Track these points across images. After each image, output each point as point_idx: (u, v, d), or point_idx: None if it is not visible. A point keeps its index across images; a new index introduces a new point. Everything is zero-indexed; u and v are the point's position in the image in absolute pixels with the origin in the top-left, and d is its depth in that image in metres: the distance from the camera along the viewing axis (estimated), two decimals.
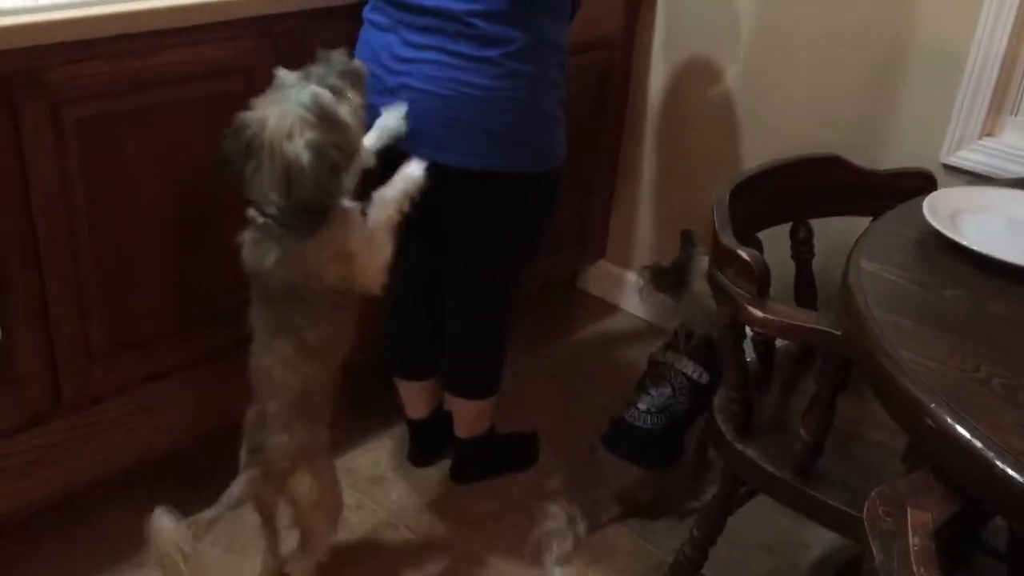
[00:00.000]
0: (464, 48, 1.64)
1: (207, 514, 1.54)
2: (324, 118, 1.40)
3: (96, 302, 1.70)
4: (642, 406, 2.03)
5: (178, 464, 2.04)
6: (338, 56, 1.49)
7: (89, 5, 1.54)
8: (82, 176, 1.61)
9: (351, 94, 1.46)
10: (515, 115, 1.69)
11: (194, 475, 2.05)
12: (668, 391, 2.03)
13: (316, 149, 1.38)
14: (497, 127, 1.69)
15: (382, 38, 1.72)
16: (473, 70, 1.65)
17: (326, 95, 1.42)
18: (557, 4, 1.70)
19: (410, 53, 1.69)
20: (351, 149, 1.47)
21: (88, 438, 1.78)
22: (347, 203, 1.54)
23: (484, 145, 1.69)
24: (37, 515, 1.80)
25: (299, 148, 1.38)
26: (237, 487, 1.58)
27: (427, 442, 2.15)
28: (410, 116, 1.69)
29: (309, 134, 1.38)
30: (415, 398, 2.10)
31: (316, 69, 1.46)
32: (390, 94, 1.71)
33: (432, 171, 1.68)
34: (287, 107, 1.39)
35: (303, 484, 1.62)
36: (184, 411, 1.91)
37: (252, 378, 1.61)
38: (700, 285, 2.04)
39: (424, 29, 1.67)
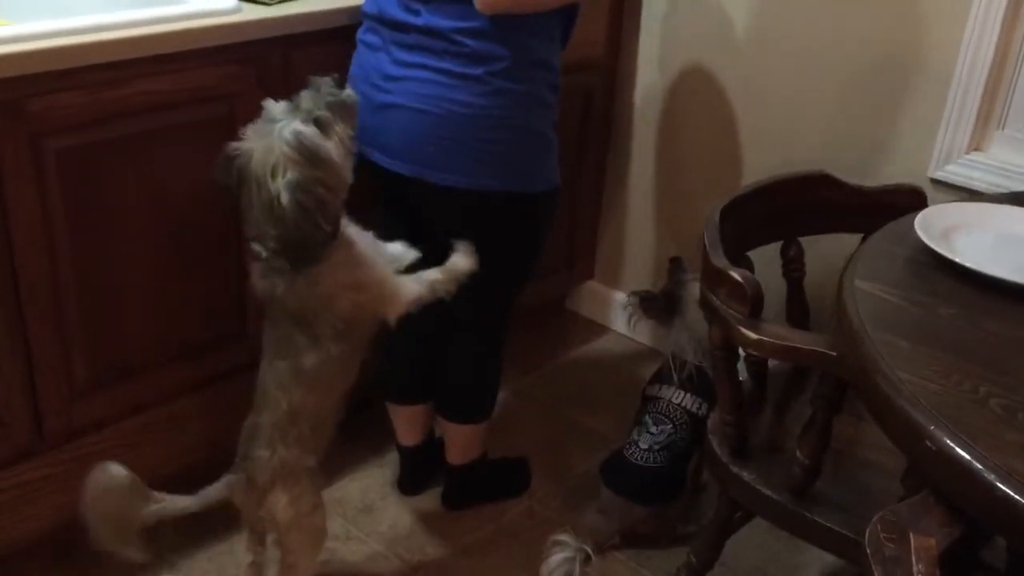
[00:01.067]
0: (450, 65, 1.63)
1: (180, 501, 1.53)
2: (308, 155, 1.38)
3: (78, 336, 1.67)
4: (643, 444, 1.99)
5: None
6: (328, 85, 1.46)
7: (68, 35, 1.52)
8: (63, 207, 1.59)
9: (339, 126, 1.44)
10: (501, 133, 1.67)
11: None
12: (669, 427, 2.00)
13: (297, 189, 1.36)
14: (484, 145, 1.67)
15: (373, 58, 1.72)
16: (458, 87, 1.63)
17: (311, 131, 1.39)
18: (542, 24, 1.68)
19: (398, 71, 1.68)
20: (337, 185, 1.44)
21: (72, 473, 1.74)
22: (350, 229, 1.52)
23: (471, 163, 1.68)
24: (22, 552, 1.76)
25: (280, 187, 1.36)
26: (216, 487, 1.59)
27: (418, 469, 2.12)
28: (398, 133, 1.68)
29: (291, 173, 1.37)
30: (407, 424, 2.08)
31: (305, 98, 1.43)
32: (378, 112, 1.70)
33: (421, 189, 1.67)
34: (271, 142, 1.38)
35: (279, 503, 1.61)
36: (168, 444, 1.88)
37: (257, 387, 1.62)
38: (692, 312, 2.02)
39: (412, 47, 1.66)
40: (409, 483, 2.13)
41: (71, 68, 1.52)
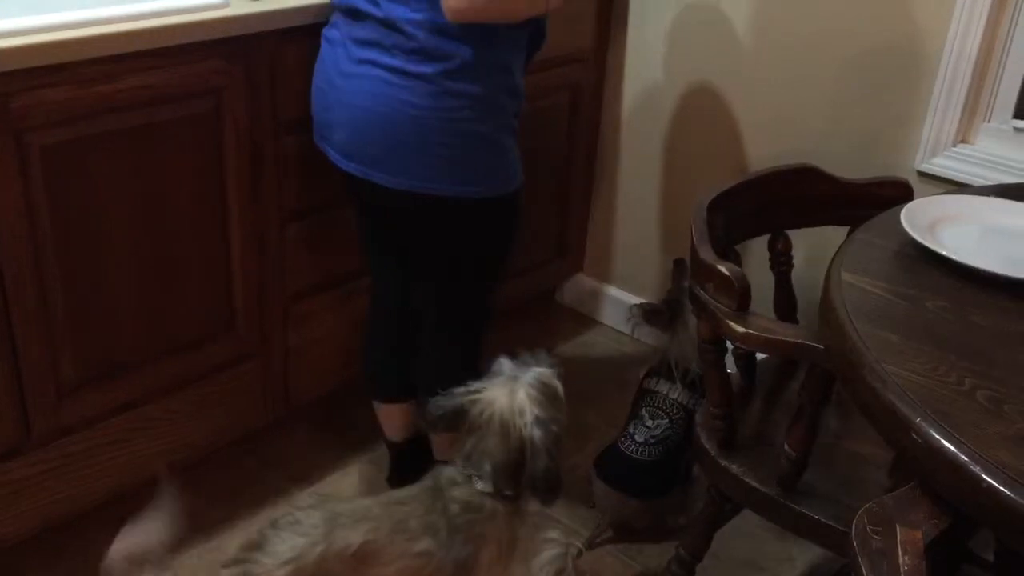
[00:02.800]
0: (399, 63, 1.60)
1: None
2: (549, 395, 1.53)
3: (65, 333, 1.67)
4: (639, 438, 1.99)
5: (151, 497, 2.01)
6: (544, 355, 1.60)
7: (54, 30, 1.51)
8: (49, 204, 1.58)
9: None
10: (450, 137, 1.63)
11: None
12: (665, 422, 2.00)
13: (543, 424, 1.50)
14: (434, 149, 1.63)
15: (332, 54, 1.70)
16: (407, 87, 1.60)
17: (550, 373, 1.55)
18: (507, 28, 1.65)
19: (351, 68, 1.66)
20: (563, 428, 1.55)
21: (60, 471, 1.74)
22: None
23: (421, 167, 1.64)
24: (11, 550, 1.76)
25: (528, 423, 1.50)
26: None
27: (406, 464, 2.12)
28: (348, 132, 1.66)
29: (537, 411, 1.51)
30: (392, 420, 2.07)
31: (528, 360, 1.58)
32: (330, 110, 1.69)
33: (372, 190, 1.67)
34: (516, 387, 1.53)
35: None
36: (158, 441, 1.88)
37: None
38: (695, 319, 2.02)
39: (365, 43, 1.64)
40: (397, 478, 2.13)
41: (57, 64, 1.51)
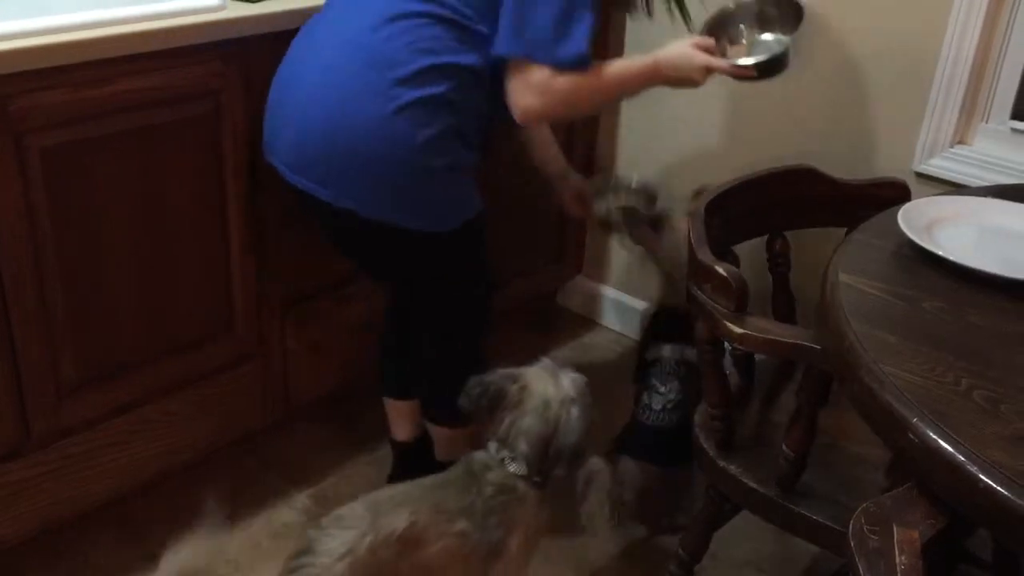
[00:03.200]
0: (348, 61, 1.55)
1: None
2: (584, 394, 1.63)
3: (64, 334, 1.67)
4: (656, 406, 2.00)
5: (151, 497, 2.01)
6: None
7: (52, 33, 1.51)
8: (48, 206, 1.58)
9: None
10: (399, 167, 1.57)
11: (168, 509, 2.02)
12: (676, 384, 2.01)
13: (585, 408, 1.62)
14: (382, 173, 1.57)
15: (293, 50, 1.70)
16: (359, 95, 1.55)
17: (582, 379, 1.67)
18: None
19: (307, 55, 1.63)
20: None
21: (60, 472, 1.74)
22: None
23: (368, 191, 1.59)
24: (11, 551, 1.76)
25: (571, 405, 1.61)
26: None
27: (408, 465, 2.12)
28: (294, 136, 1.63)
29: (580, 399, 1.62)
30: (398, 418, 2.07)
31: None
32: (274, 111, 1.68)
33: (317, 205, 1.63)
34: (560, 378, 1.64)
35: None
36: (158, 442, 1.88)
37: None
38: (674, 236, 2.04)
39: (326, 23, 1.62)
40: (398, 479, 2.13)
41: (55, 66, 1.51)
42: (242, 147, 1.81)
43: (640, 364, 2.12)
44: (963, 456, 1.00)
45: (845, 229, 1.69)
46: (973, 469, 0.99)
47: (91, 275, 1.68)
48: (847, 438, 1.65)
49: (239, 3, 1.76)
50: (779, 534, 1.97)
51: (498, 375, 1.63)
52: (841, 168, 1.86)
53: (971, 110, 2.02)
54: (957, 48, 1.96)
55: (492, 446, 1.62)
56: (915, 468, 1.08)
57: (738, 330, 1.40)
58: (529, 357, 2.57)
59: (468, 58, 1.59)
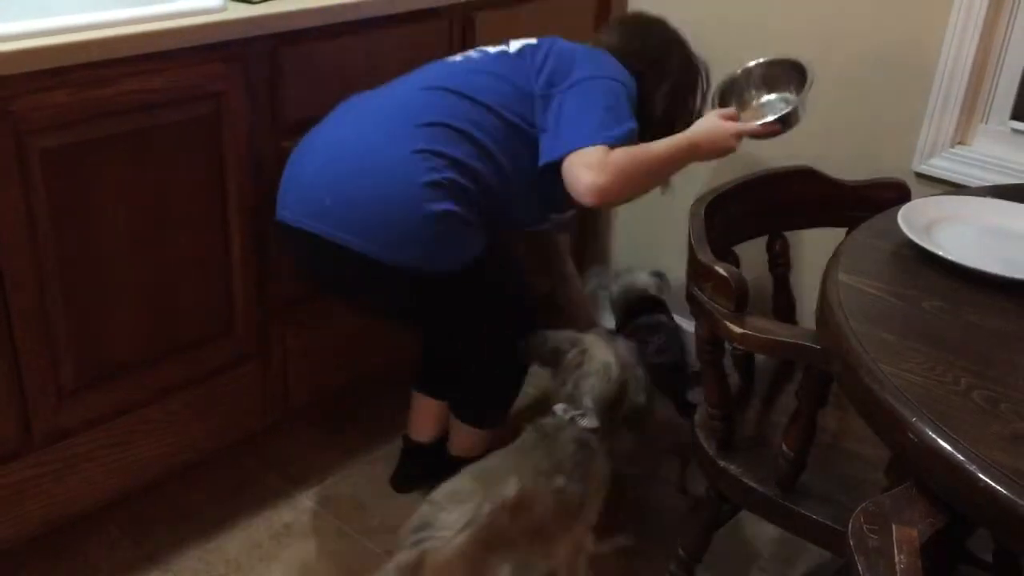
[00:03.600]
0: (377, 121, 1.70)
1: None
2: (638, 358, 1.81)
3: (65, 336, 1.67)
4: (651, 348, 2.09)
5: (152, 498, 2.02)
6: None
7: (54, 34, 1.52)
8: (49, 207, 1.58)
9: None
10: (400, 206, 1.64)
11: (168, 509, 2.03)
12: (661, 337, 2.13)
13: (643, 370, 1.79)
14: (389, 212, 1.65)
15: None
16: (381, 142, 1.68)
17: (634, 345, 1.84)
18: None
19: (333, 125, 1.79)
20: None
21: (61, 473, 1.75)
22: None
23: (380, 233, 1.66)
24: (12, 552, 1.76)
25: (632, 366, 1.77)
26: None
27: (417, 468, 2.11)
28: (309, 185, 1.72)
29: (637, 364, 1.79)
30: (425, 418, 2.08)
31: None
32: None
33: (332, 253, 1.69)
34: (616, 347, 1.79)
35: None
36: (159, 443, 1.88)
37: None
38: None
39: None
40: (402, 480, 2.13)
41: (56, 67, 1.51)
42: (243, 148, 1.81)
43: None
44: (962, 455, 1.00)
45: (845, 229, 1.69)
46: (972, 468, 0.99)
47: (91, 276, 1.68)
48: (847, 438, 1.65)
49: (240, 4, 1.77)
50: (779, 535, 1.98)
51: (560, 335, 1.78)
52: (841, 169, 1.86)
53: (971, 110, 2.03)
54: (957, 49, 1.96)
55: (559, 407, 1.73)
56: (914, 467, 1.08)
57: (738, 330, 1.41)
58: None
59: (487, 139, 1.71)
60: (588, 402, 1.71)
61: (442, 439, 2.08)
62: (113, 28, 1.58)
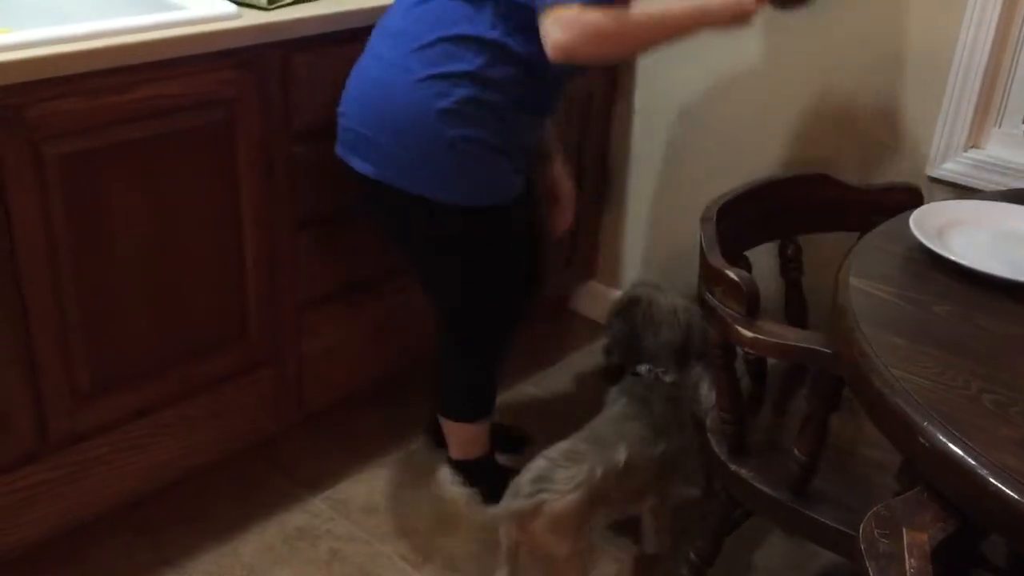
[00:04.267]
0: (386, 47, 1.68)
1: None
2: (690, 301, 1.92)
3: (81, 340, 1.69)
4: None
5: (167, 501, 2.03)
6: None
7: (68, 41, 1.53)
8: (65, 213, 1.60)
9: None
10: (418, 136, 1.65)
11: (183, 512, 2.04)
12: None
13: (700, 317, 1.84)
14: (409, 143, 1.66)
15: None
16: (390, 70, 1.66)
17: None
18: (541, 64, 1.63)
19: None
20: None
21: (76, 476, 1.76)
22: None
23: (403, 162, 1.68)
24: (27, 555, 1.78)
25: (692, 309, 1.88)
26: None
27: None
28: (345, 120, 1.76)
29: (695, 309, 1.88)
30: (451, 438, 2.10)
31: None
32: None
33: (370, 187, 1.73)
34: (665, 289, 1.94)
35: None
36: (174, 447, 1.90)
37: None
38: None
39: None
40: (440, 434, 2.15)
41: (71, 75, 1.53)
42: (256, 153, 1.82)
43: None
44: (973, 460, 1.00)
45: (858, 234, 1.69)
46: (983, 473, 0.98)
47: (106, 281, 1.69)
48: (859, 442, 1.64)
49: (254, 11, 1.78)
50: (791, 539, 1.98)
51: (623, 295, 1.96)
52: (855, 173, 1.86)
53: (984, 114, 2.02)
54: (970, 52, 1.95)
55: (643, 368, 1.88)
56: (925, 472, 1.08)
57: (749, 334, 1.41)
58: (542, 362, 2.61)
59: (491, 32, 1.63)
60: (667, 356, 1.85)
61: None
62: (127, 35, 1.59)
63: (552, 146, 2.04)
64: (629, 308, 1.92)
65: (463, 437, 2.04)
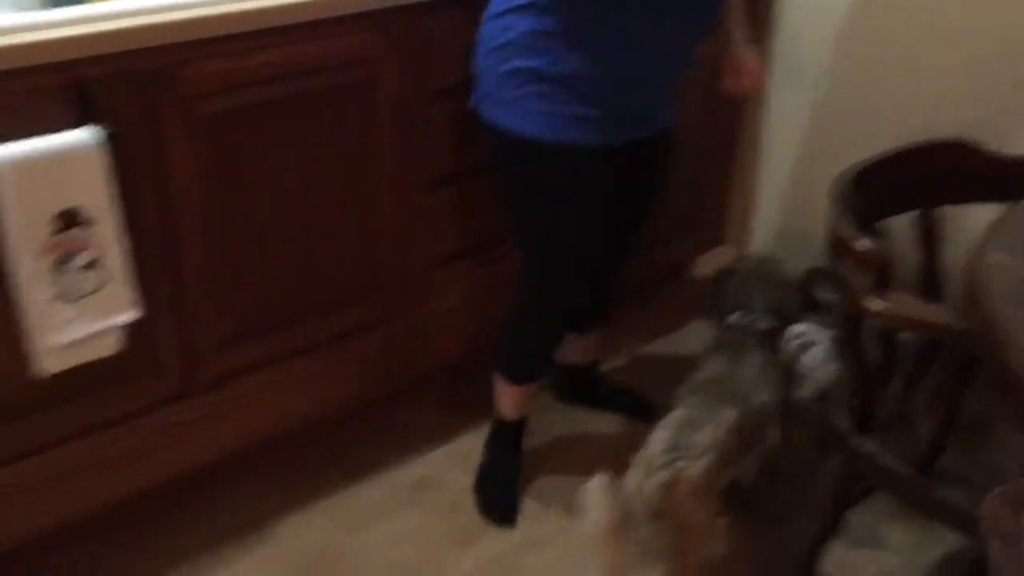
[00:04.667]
0: None
1: None
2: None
3: (227, 291, 1.78)
4: None
5: (298, 443, 2.11)
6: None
7: (216, 4, 1.60)
8: (213, 169, 1.68)
9: None
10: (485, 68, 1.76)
11: (313, 455, 2.12)
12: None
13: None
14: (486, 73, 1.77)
15: None
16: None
17: None
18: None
19: None
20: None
21: (217, 416, 1.86)
22: None
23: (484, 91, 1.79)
24: (172, 487, 1.89)
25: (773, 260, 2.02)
26: None
27: (570, 383, 2.33)
28: None
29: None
30: (570, 344, 2.20)
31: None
32: None
33: None
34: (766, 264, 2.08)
35: None
36: (307, 393, 1.98)
37: None
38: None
39: None
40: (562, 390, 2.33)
41: (220, 36, 1.59)
42: (395, 113, 1.86)
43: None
44: None
45: (999, 206, 1.62)
46: None
47: (249, 234, 1.77)
48: (991, 421, 1.59)
49: None
50: (912, 518, 1.93)
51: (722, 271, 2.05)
52: (997, 142, 1.78)
53: None
54: None
55: (734, 317, 1.92)
56: None
57: (877, 306, 1.38)
58: (665, 327, 2.58)
59: None
60: (760, 302, 1.89)
61: (594, 364, 2.30)
62: None
63: (733, 27, 1.96)
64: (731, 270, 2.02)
65: (507, 393, 2.07)
